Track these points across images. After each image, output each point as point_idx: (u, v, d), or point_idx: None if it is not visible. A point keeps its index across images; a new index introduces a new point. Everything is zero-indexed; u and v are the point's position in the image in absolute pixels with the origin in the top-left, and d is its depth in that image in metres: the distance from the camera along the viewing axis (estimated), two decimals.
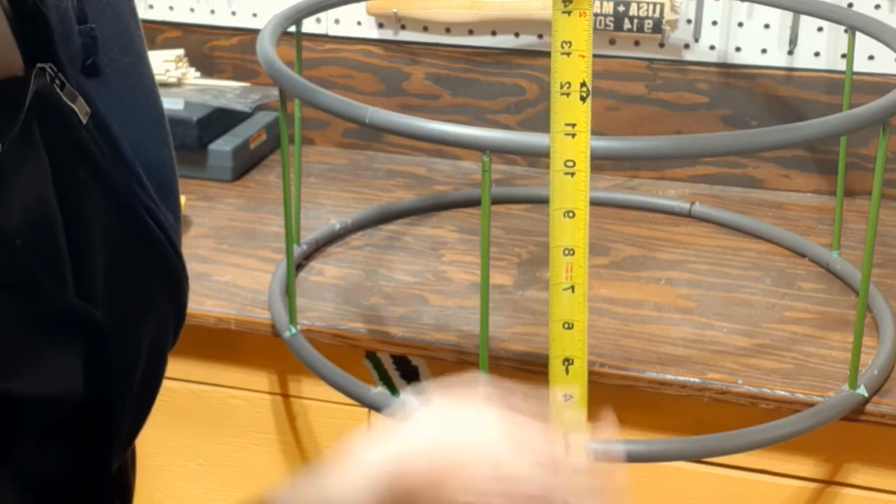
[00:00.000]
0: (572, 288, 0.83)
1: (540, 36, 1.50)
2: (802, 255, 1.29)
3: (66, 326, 0.55)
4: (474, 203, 1.41)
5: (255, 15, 1.58)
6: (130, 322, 0.60)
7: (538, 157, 1.49)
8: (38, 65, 0.54)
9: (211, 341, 1.21)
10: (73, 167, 0.56)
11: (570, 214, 0.82)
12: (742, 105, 1.46)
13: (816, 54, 1.42)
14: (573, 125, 0.81)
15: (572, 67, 0.81)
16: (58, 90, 0.55)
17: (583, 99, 0.81)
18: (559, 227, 0.82)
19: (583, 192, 0.82)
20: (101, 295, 0.57)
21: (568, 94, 0.81)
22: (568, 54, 0.81)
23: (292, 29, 1.17)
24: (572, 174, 0.81)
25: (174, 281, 0.63)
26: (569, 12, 0.80)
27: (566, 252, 0.82)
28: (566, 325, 0.83)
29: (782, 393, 1.04)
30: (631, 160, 1.47)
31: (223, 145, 1.48)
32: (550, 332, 0.84)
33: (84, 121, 0.57)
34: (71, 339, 0.55)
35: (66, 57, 0.57)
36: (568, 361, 0.84)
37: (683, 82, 1.47)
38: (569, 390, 0.84)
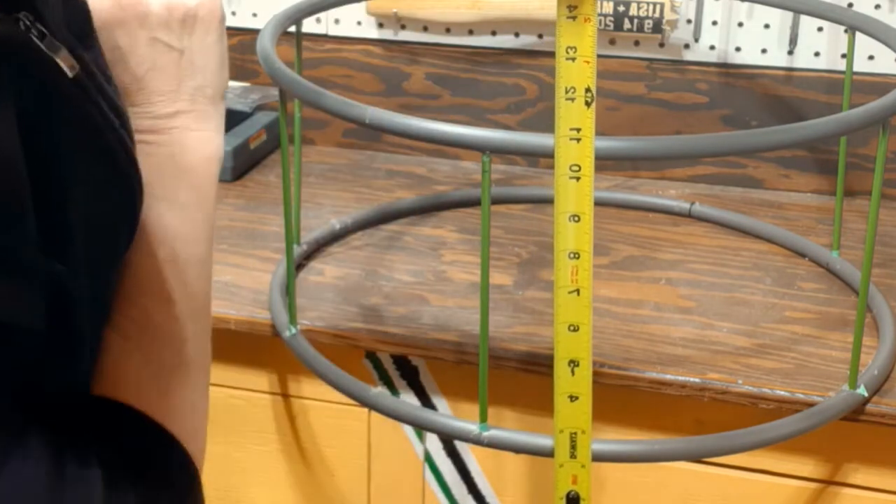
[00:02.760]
0: (577, 291, 0.83)
1: (540, 36, 1.50)
2: (802, 255, 1.29)
3: (24, 272, 0.54)
4: (474, 203, 1.41)
5: (255, 15, 1.58)
6: (99, 276, 0.60)
7: (538, 158, 1.49)
8: (13, 14, 0.53)
9: (211, 341, 1.21)
10: (52, 118, 0.55)
11: (576, 218, 0.83)
12: (742, 105, 1.46)
13: (816, 54, 1.42)
14: (578, 129, 0.81)
15: (577, 73, 0.82)
16: (35, 39, 0.54)
17: (587, 104, 0.82)
18: (564, 230, 0.83)
19: (588, 195, 0.83)
20: (75, 249, 0.57)
21: (573, 99, 0.82)
22: (573, 59, 0.81)
23: (292, 29, 1.17)
24: (577, 178, 0.82)
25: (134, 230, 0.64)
26: (573, 17, 0.81)
27: (571, 255, 0.83)
28: (572, 328, 0.84)
29: (782, 393, 1.04)
30: (631, 160, 1.47)
31: (223, 145, 1.48)
32: (556, 335, 0.84)
33: (70, 74, 0.56)
34: (30, 282, 0.54)
35: (50, 15, 0.56)
36: (574, 363, 0.85)
37: (683, 82, 1.47)
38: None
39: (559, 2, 0.81)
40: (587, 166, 0.82)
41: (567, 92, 0.81)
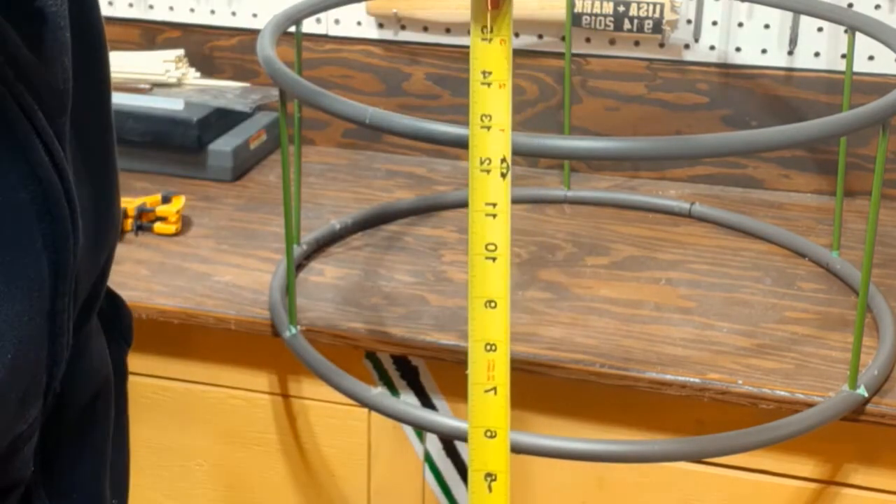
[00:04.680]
0: (494, 390, 0.73)
1: (540, 36, 1.50)
2: (802, 255, 1.29)
3: None
4: None
5: (255, 15, 1.58)
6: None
7: (538, 158, 1.49)
8: None
9: (211, 341, 1.21)
10: None
11: (492, 304, 0.72)
12: (742, 105, 1.46)
13: (816, 54, 1.42)
14: (494, 205, 0.73)
15: (493, 141, 0.73)
16: None
17: (503, 175, 0.73)
18: (480, 318, 0.72)
19: (504, 278, 0.72)
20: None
21: (488, 171, 0.73)
22: (488, 128, 0.76)
23: (292, 29, 1.17)
24: (494, 259, 0.72)
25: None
26: (488, 39, 0.75)
27: (488, 347, 0.73)
28: (488, 434, 0.73)
29: (782, 393, 1.04)
30: (631, 160, 1.47)
31: (223, 145, 1.48)
32: (470, 442, 0.73)
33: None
34: None
35: None
36: (490, 477, 0.74)
37: (683, 82, 1.47)
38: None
39: (473, 22, 0.72)
40: (504, 246, 0.72)
41: (482, 163, 0.73)
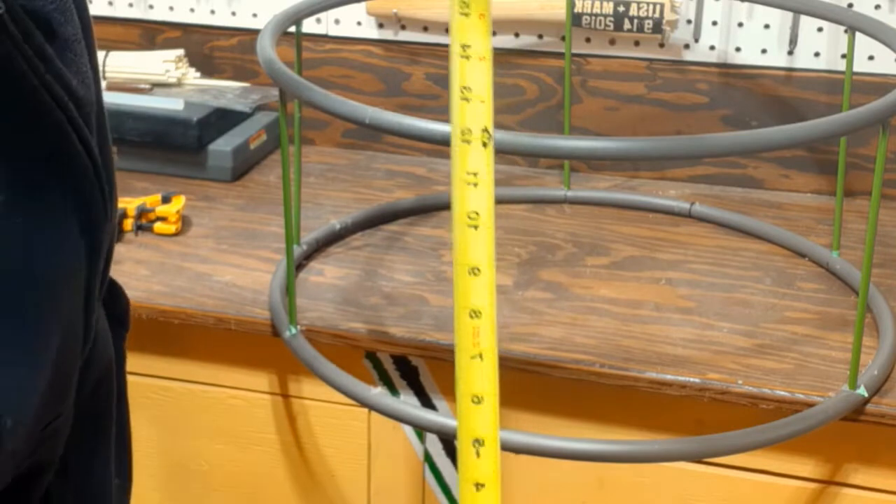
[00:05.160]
0: (480, 356, 0.73)
1: (540, 36, 1.50)
2: (802, 255, 1.29)
3: None
4: None
5: (255, 15, 1.58)
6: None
7: (538, 158, 1.49)
8: None
9: (211, 341, 1.22)
10: None
11: (476, 272, 0.73)
12: (742, 105, 1.46)
13: (816, 54, 1.42)
14: (475, 174, 0.73)
15: (473, 112, 0.75)
16: None
17: (484, 145, 0.77)
18: (464, 286, 0.72)
19: (487, 246, 0.72)
20: None
21: (469, 142, 0.76)
22: (468, 100, 0.76)
23: (292, 29, 1.17)
24: (476, 227, 0.73)
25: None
26: (467, 14, 0.75)
27: (473, 314, 0.73)
28: (475, 400, 0.73)
29: (782, 393, 1.04)
30: (631, 160, 1.47)
31: (223, 145, 1.48)
32: (458, 410, 0.73)
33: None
34: None
35: None
36: (478, 443, 0.73)
37: (683, 82, 1.47)
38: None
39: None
40: (486, 215, 0.71)
41: (463, 134, 0.76)
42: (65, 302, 0.58)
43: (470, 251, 0.73)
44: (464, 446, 0.73)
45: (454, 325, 0.72)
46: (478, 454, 0.72)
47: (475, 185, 0.74)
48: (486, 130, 0.73)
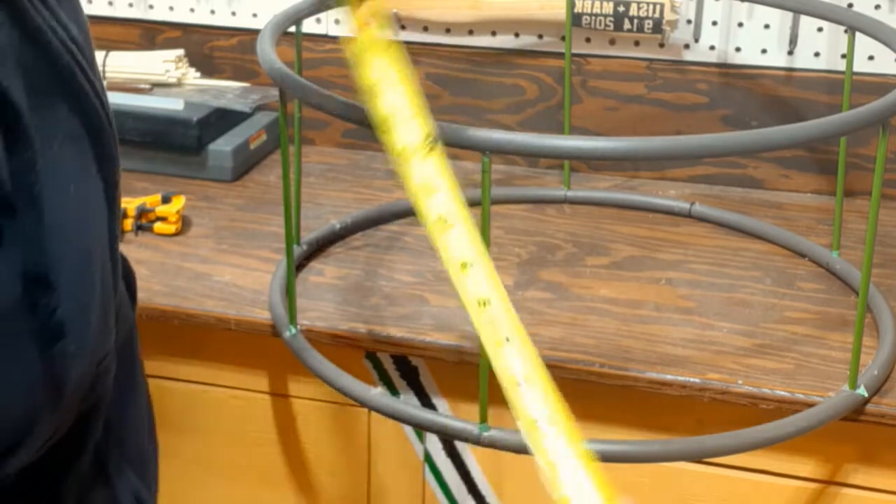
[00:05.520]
0: (507, 339, 0.72)
1: (540, 36, 1.50)
2: (802, 255, 1.29)
3: None
4: (474, 203, 1.40)
5: (255, 15, 1.58)
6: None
7: (538, 158, 1.49)
8: None
9: (211, 341, 1.22)
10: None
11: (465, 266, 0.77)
12: (742, 105, 1.46)
13: (816, 54, 1.42)
14: (429, 183, 0.79)
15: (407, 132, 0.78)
16: None
17: (431, 150, 0.79)
18: (460, 283, 0.76)
19: (470, 241, 0.77)
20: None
21: (414, 156, 0.78)
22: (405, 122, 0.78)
23: (292, 29, 1.16)
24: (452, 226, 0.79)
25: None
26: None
27: (481, 304, 0.73)
28: (525, 381, 0.70)
29: (782, 393, 1.04)
30: (631, 160, 1.47)
31: (223, 145, 1.48)
32: (506, 394, 0.71)
33: None
34: None
35: None
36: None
37: (683, 82, 1.47)
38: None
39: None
40: (455, 213, 0.78)
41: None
42: (97, 239, 0.63)
43: (452, 250, 0.76)
44: (527, 427, 0.68)
45: (472, 322, 0.71)
46: (539, 436, 0.68)
47: (437, 191, 0.78)
48: (428, 137, 0.75)
